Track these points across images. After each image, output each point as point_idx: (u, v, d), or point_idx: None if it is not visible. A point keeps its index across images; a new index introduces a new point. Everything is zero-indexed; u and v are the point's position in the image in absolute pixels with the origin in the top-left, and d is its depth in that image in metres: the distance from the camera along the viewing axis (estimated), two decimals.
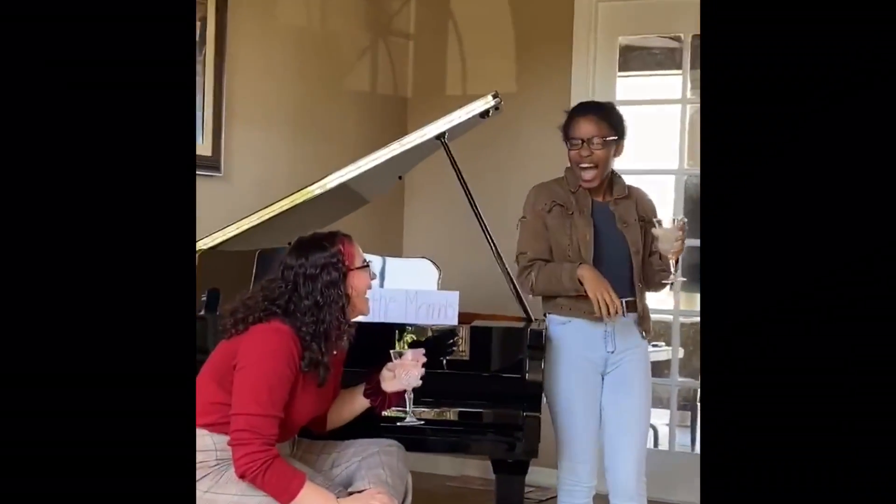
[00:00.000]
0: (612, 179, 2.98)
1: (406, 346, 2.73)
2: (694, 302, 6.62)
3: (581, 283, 2.80)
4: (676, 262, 2.78)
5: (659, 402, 4.92)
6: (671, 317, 4.59)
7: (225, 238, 3.13)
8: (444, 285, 3.10)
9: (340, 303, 2.48)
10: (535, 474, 3.24)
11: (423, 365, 2.61)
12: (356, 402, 2.70)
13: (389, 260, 3.28)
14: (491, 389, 2.83)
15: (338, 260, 2.50)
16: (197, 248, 3.06)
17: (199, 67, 3.67)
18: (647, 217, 2.95)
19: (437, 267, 3.16)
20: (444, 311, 2.89)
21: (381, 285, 3.12)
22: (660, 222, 2.78)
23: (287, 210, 3.12)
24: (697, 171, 6.34)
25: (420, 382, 2.61)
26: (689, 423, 5.76)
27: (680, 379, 4.96)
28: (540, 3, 4.74)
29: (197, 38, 3.64)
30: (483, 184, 3.48)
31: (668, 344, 4.77)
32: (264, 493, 2.35)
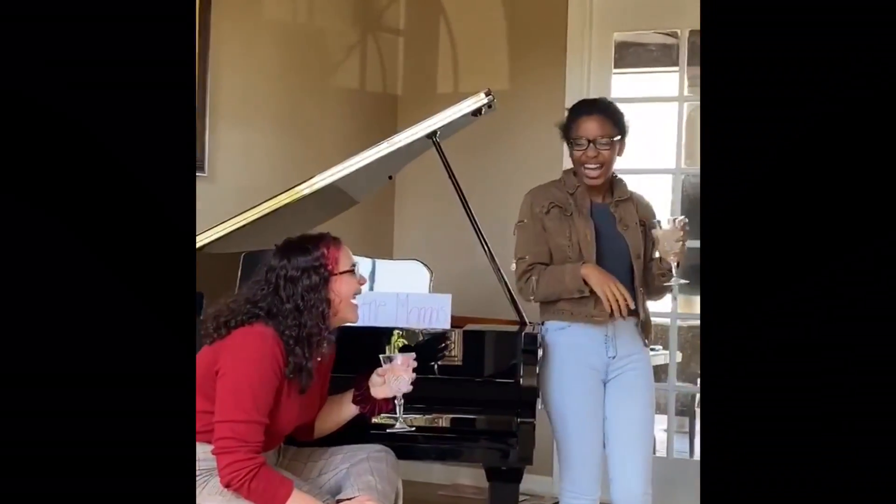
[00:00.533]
0: (613, 181, 2.97)
1: (396, 351, 2.70)
2: (692, 305, 6.60)
3: (585, 283, 2.78)
4: (678, 265, 2.75)
5: (656, 407, 4.88)
6: (669, 320, 4.55)
7: (209, 240, 3.09)
8: (435, 288, 3.09)
9: (321, 308, 2.45)
10: (530, 482, 3.27)
11: (414, 370, 2.57)
12: (345, 410, 2.66)
13: (380, 262, 3.26)
14: (484, 395, 2.81)
15: (320, 264, 2.47)
16: None
17: None
18: (646, 221, 2.93)
19: (429, 269, 3.14)
20: (436, 314, 2.88)
21: (371, 288, 3.10)
22: (659, 223, 2.76)
23: (274, 211, 3.09)
24: (695, 170, 6.35)
25: (410, 388, 2.57)
26: (687, 430, 5.76)
27: (678, 384, 4.95)
28: None
29: None
30: (476, 183, 3.51)
31: (665, 348, 4.76)
32: (250, 503, 2.32)
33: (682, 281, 2.76)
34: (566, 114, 2.98)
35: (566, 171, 2.98)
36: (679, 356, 4.99)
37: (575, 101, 3.22)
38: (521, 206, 2.96)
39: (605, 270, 2.78)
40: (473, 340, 2.85)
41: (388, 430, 2.63)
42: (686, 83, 4.60)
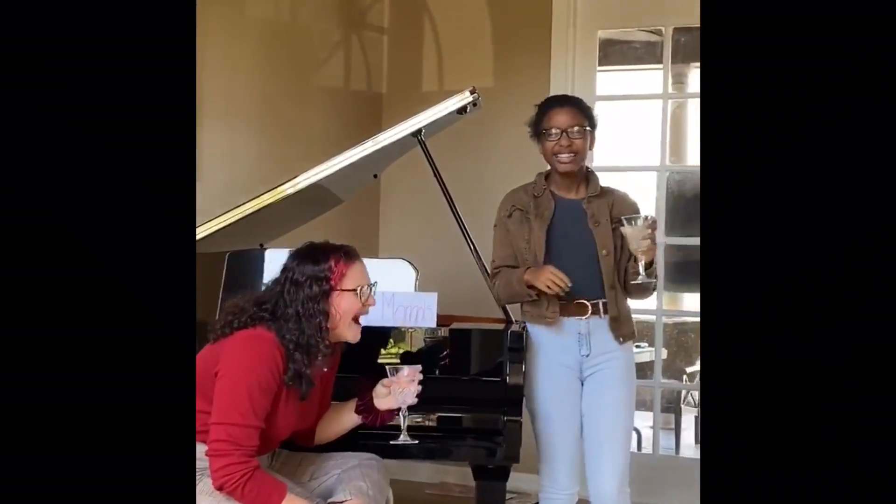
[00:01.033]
0: (588, 176, 2.96)
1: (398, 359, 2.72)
2: (677, 302, 6.63)
3: (530, 287, 2.81)
4: (649, 264, 2.75)
5: (642, 404, 4.91)
6: (654, 317, 4.55)
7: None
8: (421, 286, 3.07)
9: (318, 319, 2.42)
10: (517, 480, 3.22)
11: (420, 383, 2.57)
12: (347, 418, 2.65)
13: (365, 261, 3.18)
14: (471, 393, 2.82)
15: (324, 276, 2.44)
16: None
17: None
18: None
19: (415, 268, 3.12)
20: (422, 313, 2.88)
21: None
22: (628, 221, 2.74)
23: (258, 210, 3.08)
24: (680, 167, 6.39)
25: (416, 400, 2.56)
26: (672, 426, 5.76)
27: (663, 380, 4.94)
28: None
29: None
30: (461, 182, 3.48)
31: (650, 345, 4.74)
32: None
33: (651, 280, 2.75)
34: (534, 111, 2.98)
35: (539, 174, 2.99)
36: (664, 353, 5.00)
37: (559, 94, 3.23)
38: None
39: (543, 266, 2.80)
40: (460, 339, 2.86)
41: (391, 443, 2.62)
42: (670, 80, 4.61)
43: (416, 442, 2.64)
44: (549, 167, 2.96)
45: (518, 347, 2.82)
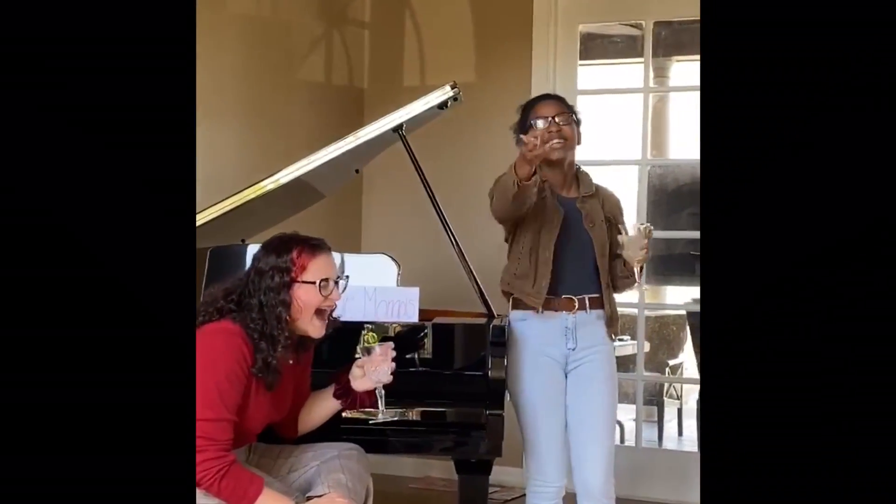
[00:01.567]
0: (578, 175, 2.97)
1: (375, 341, 2.69)
2: (659, 295, 6.67)
3: (516, 173, 2.65)
4: (641, 269, 2.80)
5: (625, 397, 4.94)
6: (636, 310, 4.57)
7: None
8: (403, 281, 3.07)
9: (278, 310, 2.42)
10: (500, 474, 3.23)
11: (393, 360, 2.56)
12: (326, 405, 2.65)
13: (347, 256, 3.19)
14: (453, 388, 2.82)
15: (286, 267, 2.44)
16: None
17: None
18: (612, 217, 2.94)
19: (397, 263, 3.12)
20: (404, 307, 2.87)
21: None
22: (625, 229, 2.79)
23: (239, 206, 3.07)
24: (661, 161, 6.41)
25: (391, 378, 2.56)
26: (655, 419, 5.79)
27: (645, 373, 4.99)
28: None
29: None
30: (443, 176, 3.47)
31: (633, 338, 4.76)
32: (220, 501, 2.31)
33: (645, 286, 2.80)
34: (518, 113, 2.97)
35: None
36: (646, 346, 5.02)
37: (541, 93, 3.23)
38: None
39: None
40: (442, 333, 2.87)
41: (370, 422, 2.64)
42: (651, 74, 4.63)
43: (396, 418, 2.66)
44: None
45: (500, 342, 2.82)
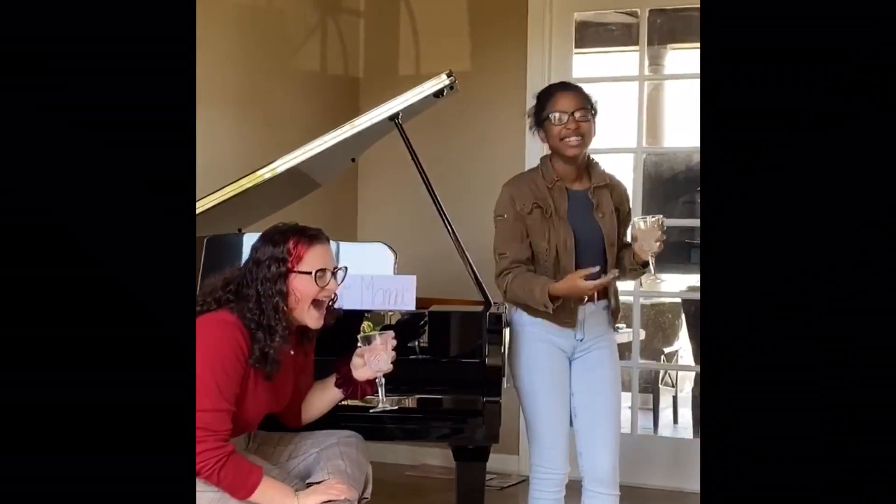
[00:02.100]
0: (590, 165, 2.97)
1: (372, 329, 2.69)
2: (655, 284, 6.68)
3: (553, 301, 2.77)
4: (654, 261, 2.81)
5: (620, 384, 4.93)
6: (631, 298, 4.60)
7: None
8: (400, 270, 3.08)
9: (275, 300, 2.43)
10: (496, 461, 3.30)
11: (393, 349, 2.57)
12: (328, 394, 2.67)
13: (344, 245, 3.22)
14: (450, 375, 2.85)
15: (283, 257, 2.45)
16: None
17: None
18: (620, 207, 2.95)
19: (393, 251, 3.13)
20: (401, 295, 2.88)
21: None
22: (639, 221, 2.80)
23: (236, 195, 3.07)
24: (656, 149, 6.40)
25: (391, 367, 2.58)
26: (651, 406, 5.81)
27: (641, 361, 5.01)
28: None
29: None
30: (438, 165, 3.49)
31: (628, 326, 4.78)
32: (219, 489, 2.33)
33: (660, 278, 2.82)
34: (535, 100, 2.97)
35: (543, 160, 2.96)
36: (642, 334, 5.04)
37: (536, 82, 3.24)
38: (500, 198, 2.91)
39: (572, 282, 2.75)
40: (439, 321, 2.88)
41: (370, 411, 2.65)
42: (646, 62, 4.63)
43: (396, 408, 2.67)
44: (548, 154, 2.95)
45: (497, 329, 2.84)
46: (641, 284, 3.09)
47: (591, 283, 2.73)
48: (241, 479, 2.32)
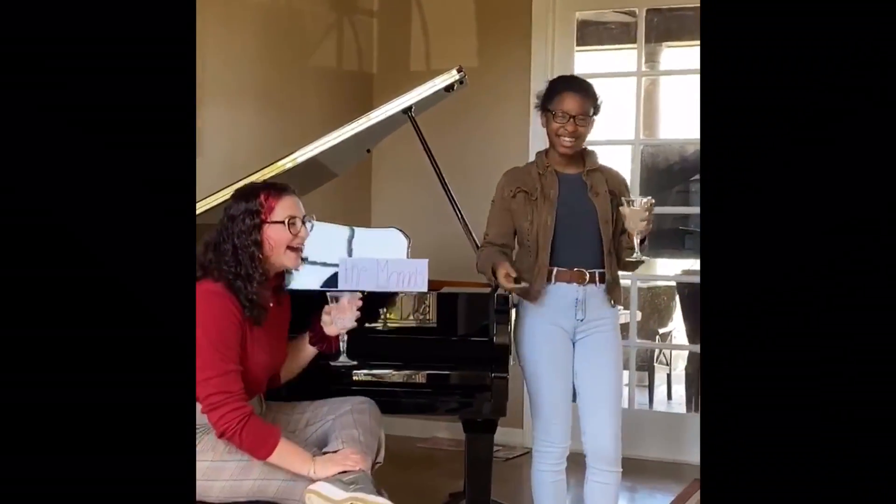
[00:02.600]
0: (584, 152, 3.03)
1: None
2: (650, 267, 6.79)
3: (494, 276, 2.85)
4: (642, 241, 2.83)
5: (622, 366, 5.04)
6: (629, 281, 4.70)
7: (198, 212, 3.04)
8: (413, 254, 3.13)
9: (251, 249, 2.52)
10: (502, 434, 3.31)
11: (360, 309, 2.69)
12: (304, 351, 2.76)
13: (359, 230, 3.28)
14: (461, 352, 2.92)
15: (255, 210, 2.55)
16: None
17: None
18: (616, 191, 3.00)
19: (407, 236, 3.19)
20: (413, 278, 2.88)
21: (351, 255, 3.17)
22: (629, 202, 2.84)
23: None
24: (653, 140, 6.48)
25: (355, 324, 2.69)
26: (646, 383, 5.89)
27: (638, 340, 5.09)
28: None
29: None
30: (448, 155, 3.50)
31: (625, 308, 4.90)
32: (240, 457, 2.41)
33: (643, 259, 2.85)
34: (546, 84, 3.02)
35: (539, 154, 3.02)
36: (639, 315, 5.11)
37: (539, 77, 3.21)
38: (497, 184, 3.02)
39: (507, 265, 2.82)
40: (449, 302, 2.95)
41: (331, 363, 2.74)
42: (643, 59, 4.69)
43: (355, 363, 2.78)
44: (546, 143, 3.03)
45: (504, 310, 2.90)
46: (632, 270, 3.16)
47: (509, 285, 2.80)
48: (262, 439, 2.39)
